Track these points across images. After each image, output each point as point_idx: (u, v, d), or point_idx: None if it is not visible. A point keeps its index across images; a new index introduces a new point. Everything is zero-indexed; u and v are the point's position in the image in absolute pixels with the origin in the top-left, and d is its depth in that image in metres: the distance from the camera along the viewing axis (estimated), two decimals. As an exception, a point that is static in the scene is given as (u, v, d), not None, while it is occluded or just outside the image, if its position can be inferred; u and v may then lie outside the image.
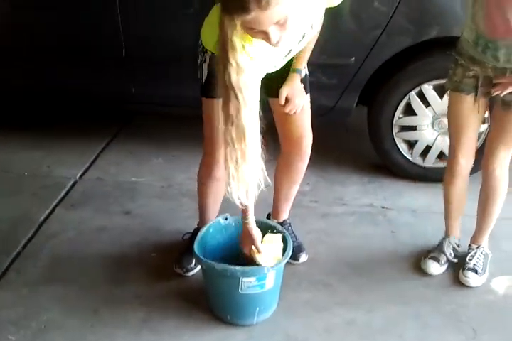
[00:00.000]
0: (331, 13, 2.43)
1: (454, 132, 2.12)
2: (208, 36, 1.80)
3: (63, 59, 2.86)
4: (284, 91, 2.02)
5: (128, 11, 2.67)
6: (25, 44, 2.86)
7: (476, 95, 1.96)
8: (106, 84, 2.90)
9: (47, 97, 3.12)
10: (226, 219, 2.13)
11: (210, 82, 1.81)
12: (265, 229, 2.04)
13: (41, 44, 2.84)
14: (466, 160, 2.14)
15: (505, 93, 1.81)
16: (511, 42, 1.78)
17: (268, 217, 2.42)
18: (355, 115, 2.87)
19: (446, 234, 2.35)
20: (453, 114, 2.09)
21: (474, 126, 2.07)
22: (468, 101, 1.99)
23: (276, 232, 2.05)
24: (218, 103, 1.83)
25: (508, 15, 1.73)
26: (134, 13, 2.69)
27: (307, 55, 1.98)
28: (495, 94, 1.82)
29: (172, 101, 2.91)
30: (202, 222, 2.28)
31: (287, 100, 2.04)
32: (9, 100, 3.23)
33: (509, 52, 1.79)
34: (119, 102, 3.04)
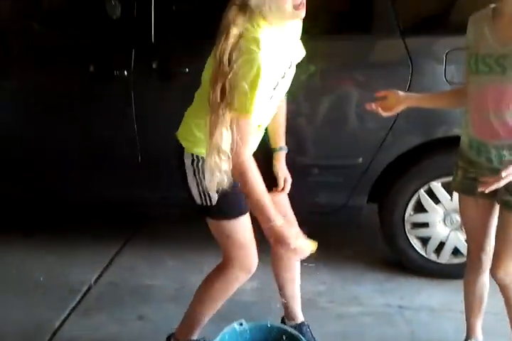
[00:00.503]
0: (338, 116, 2.53)
1: (468, 231, 2.14)
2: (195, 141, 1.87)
3: (81, 167, 2.93)
4: (281, 174, 2.05)
5: (143, 119, 2.77)
6: (44, 153, 2.95)
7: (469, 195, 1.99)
8: (120, 189, 2.95)
9: (61, 203, 3.18)
10: (241, 324, 2.07)
11: (227, 198, 1.80)
12: (280, 333, 2.01)
13: (59, 152, 2.92)
14: (484, 257, 2.10)
15: (488, 190, 1.82)
16: (500, 144, 1.83)
17: (283, 320, 2.37)
18: (367, 211, 2.89)
19: (468, 336, 2.28)
20: (464, 215, 2.11)
21: (487, 224, 2.05)
22: (474, 202, 2.01)
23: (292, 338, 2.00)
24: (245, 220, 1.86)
25: (490, 119, 1.81)
26: (149, 121, 2.79)
27: (283, 129, 2.04)
28: (479, 190, 1.84)
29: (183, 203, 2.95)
30: (192, 331, 2.19)
31: (284, 181, 2.06)
32: (24, 205, 3.29)
33: (500, 154, 1.84)
34: (133, 207, 3.09)
